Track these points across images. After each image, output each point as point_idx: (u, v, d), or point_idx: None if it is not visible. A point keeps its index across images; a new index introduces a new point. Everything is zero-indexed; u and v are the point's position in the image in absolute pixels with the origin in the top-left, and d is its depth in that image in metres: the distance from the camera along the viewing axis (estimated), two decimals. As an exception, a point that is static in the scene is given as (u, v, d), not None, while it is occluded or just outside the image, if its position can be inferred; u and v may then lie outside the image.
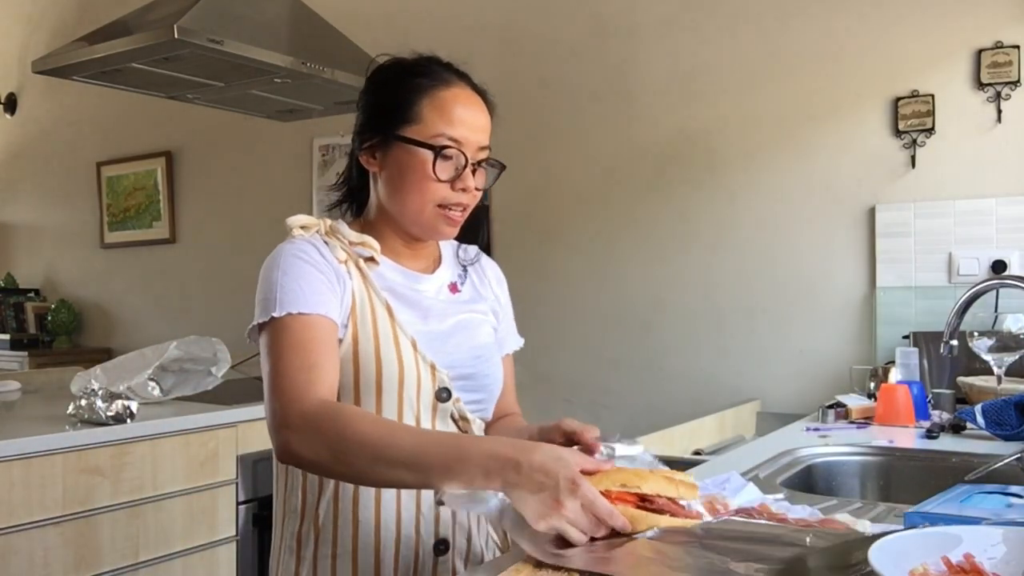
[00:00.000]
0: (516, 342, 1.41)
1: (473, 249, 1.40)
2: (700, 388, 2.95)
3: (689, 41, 3.03)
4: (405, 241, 1.26)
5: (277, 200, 4.02)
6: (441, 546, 1.20)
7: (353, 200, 1.31)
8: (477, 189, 1.21)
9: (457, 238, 1.30)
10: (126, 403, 2.09)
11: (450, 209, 1.19)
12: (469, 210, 1.22)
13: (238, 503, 2.33)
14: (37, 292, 5.07)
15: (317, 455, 1.03)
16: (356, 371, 1.16)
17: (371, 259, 1.21)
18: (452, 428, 1.22)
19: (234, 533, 2.32)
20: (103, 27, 2.69)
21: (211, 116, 3.87)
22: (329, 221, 1.24)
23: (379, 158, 1.21)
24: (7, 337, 4.83)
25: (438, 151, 1.16)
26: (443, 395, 1.20)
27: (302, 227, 1.21)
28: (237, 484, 2.32)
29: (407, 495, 1.19)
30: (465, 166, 1.18)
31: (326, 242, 1.20)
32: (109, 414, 2.05)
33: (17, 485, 1.87)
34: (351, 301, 1.17)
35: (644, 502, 0.94)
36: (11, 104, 5.16)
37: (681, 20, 3.04)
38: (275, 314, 1.10)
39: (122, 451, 2.06)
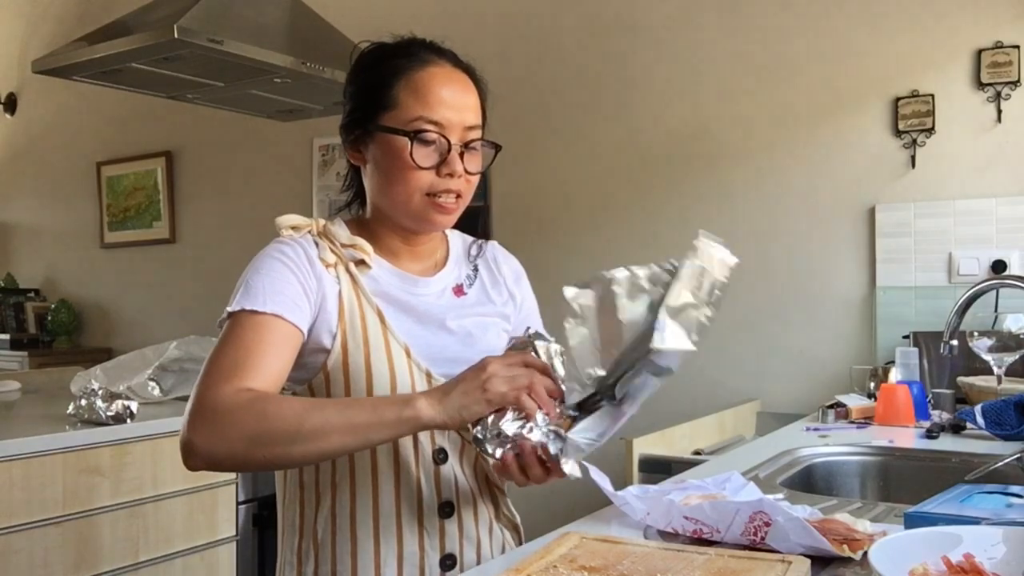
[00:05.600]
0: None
1: (487, 245, 1.31)
2: (700, 388, 2.94)
3: (689, 41, 3.03)
4: (403, 238, 1.18)
5: (277, 200, 4.01)
6: (448, 561, 1.15)
7: (363, 201, 1.23)
8: (469, 173, 1.12)
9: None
10: (126, 403, 2.09)
11: (439, 197, 1.10)
12: (466, 197, 1.14)
13: (238, 503, 2.33)
14: (37, 292, 5.07)
15: (230, 449, 0.98)
16: (347, 381, 1.10)
17: (362, 262, 1.14)
18: (453, 439, 1.16)
19: (234, 533, 2.32)
20: (103, 27, 2.69)
21: (211, 116, 3.87)
22: (323, 222, 1.18)
23: (363, 151, 1.15)
24: (7, 337, 4.82)
25: (414, 135, 1.08)
26: None
27: (292, 227, 1.15)
28: (237, 484, 2.32)
29: (407, 508, 1.13)
30: (449, 150, 1.09)
31: (316, 243, 1.14)
32: (109, 414, 2.05)
33: (17, 485, 1.87)
34: (339, 307, 1.11)
35: None
36: (11, 104, 5.16)
37: (681, 19, 3.04)
38: (230, 309, 1.07)
39: (122, 451, 2.06)
